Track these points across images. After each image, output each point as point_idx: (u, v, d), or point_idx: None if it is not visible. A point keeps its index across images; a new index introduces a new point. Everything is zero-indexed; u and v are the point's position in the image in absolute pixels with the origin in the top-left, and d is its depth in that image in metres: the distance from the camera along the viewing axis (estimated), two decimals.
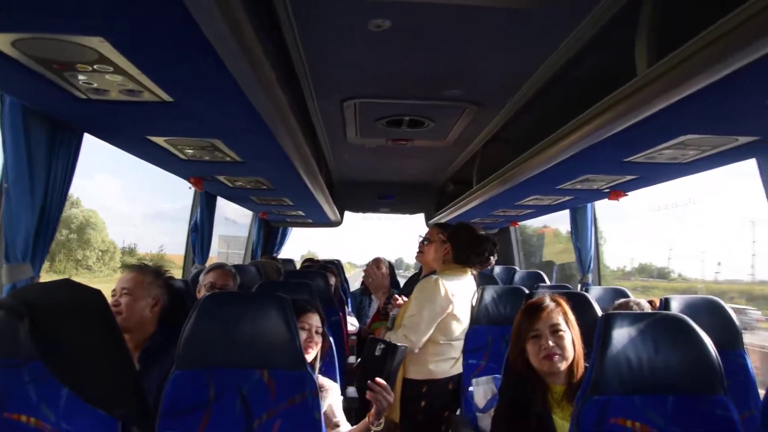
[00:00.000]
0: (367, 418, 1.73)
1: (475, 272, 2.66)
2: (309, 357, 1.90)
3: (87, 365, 1.43)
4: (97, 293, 1.51)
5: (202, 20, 1.13)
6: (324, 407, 1.84)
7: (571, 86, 2.07)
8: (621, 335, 1.45)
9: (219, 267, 2.62)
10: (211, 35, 1.21)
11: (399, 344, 1.77)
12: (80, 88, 1.62)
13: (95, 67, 1.44)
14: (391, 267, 4.83)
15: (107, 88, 1.62)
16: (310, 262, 5.31)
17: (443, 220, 4.86)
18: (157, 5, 1.14)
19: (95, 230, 18.21)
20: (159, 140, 2.27)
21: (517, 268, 5.35)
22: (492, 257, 2.58)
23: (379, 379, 1.67)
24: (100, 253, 18.10)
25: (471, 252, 2.55)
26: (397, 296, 2.77)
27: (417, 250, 2.88)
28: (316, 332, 1.99)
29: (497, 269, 5.03)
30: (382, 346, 1.72)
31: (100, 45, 1.30)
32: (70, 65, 1.44)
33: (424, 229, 2.90)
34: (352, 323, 4.05)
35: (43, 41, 1.28)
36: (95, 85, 1.59)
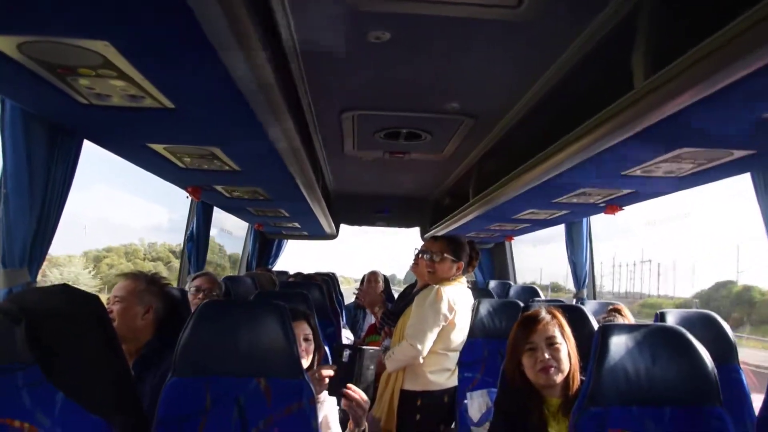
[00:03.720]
0: (348, 427, 1.73)
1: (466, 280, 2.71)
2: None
3: (84, 370, 1.41)
4: (95, 299, 1.50)
5: (207, 26, 1.15)
6: (320, 418, 1.84)
7: (569, 99, 2.08)
8: (618, 346, 1.46)
9: (204, 274, 2.92)
10: (216, 41, 1.22)
11: (366, 348, 1.76)
12: (82, 92, 1.62)
13: (99, 71, 1.45)
14: (386, 280, 4.85)
15: (109, 93, 1.62)
16: (295, 277, 5.25)
17: (438, 234, 4.86)
18: (165, 10, 1.15)
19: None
20: (158, 148, 2.27)
21: (512, 282, 5.35)
22: None
23: (350, 385, 1.67)
24: None
25: (472, 258, 2.72)
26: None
27: (413, 262, 2.91)
28: (305, 339, 1.98)
29: (492, 283, 5.04)
30: (348, 351, 1.72)
31: (105, 49, 1.31)
32: (73, 69, 1.44)
33: (415, 243, 2.94)
34: (347, 336, 4.03)
35: (49, 44, 1.28)
36: (97, 90, 1.59)
